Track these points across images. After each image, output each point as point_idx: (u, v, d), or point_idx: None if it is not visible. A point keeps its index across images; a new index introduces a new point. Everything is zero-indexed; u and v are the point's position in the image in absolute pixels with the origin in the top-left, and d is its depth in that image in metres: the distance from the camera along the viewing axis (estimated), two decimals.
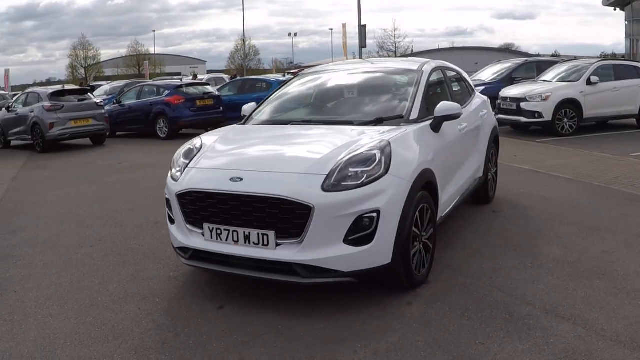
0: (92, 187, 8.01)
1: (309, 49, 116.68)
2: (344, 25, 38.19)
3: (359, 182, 3.27)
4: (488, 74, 14.29)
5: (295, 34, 67.82)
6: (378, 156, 3.39)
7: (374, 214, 3.25)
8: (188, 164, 3.81)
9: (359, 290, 3.63)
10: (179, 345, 3.11)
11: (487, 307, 3.39)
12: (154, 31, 73.65)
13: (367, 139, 3.62)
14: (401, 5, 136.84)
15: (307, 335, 3.15)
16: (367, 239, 3.26)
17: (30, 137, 12.86)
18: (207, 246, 3.54)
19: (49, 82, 67.12)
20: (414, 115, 4.11)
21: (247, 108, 4.98)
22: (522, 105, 11.09)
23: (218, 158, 3.78)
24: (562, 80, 11.47)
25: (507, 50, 63.98)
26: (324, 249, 3.22)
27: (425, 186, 3.76)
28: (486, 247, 4.57)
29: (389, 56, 57.30)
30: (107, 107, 15.16)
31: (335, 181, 3.26)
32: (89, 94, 14.09)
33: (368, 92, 4.73)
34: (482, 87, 13.34)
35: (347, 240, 3.24)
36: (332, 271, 3.25)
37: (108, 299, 3.80)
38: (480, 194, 5.92)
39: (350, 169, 3.32)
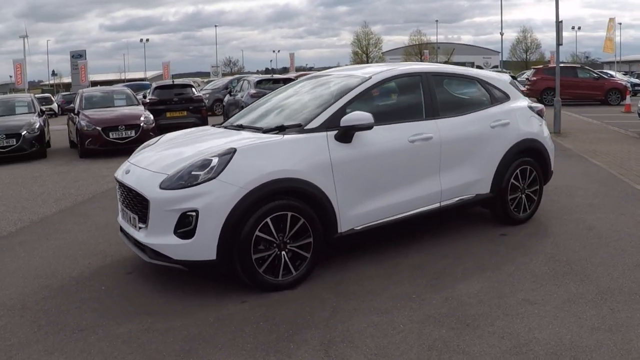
0: None
1: (623, 43, 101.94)
2: (611, 20, 33.30)
3: (190, 183, 3.64)
4: None
5: (579, 28, 61.08)
6: (214, 162, 3.68)
7: (194, 213, 3.60)
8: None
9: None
10: (67, 290, 4.05)
11: (285, 323, 3.38)
12: (437, 21, 74.49)
13: (230, 144, 3.88)
14: None
15: (138, 304, 3.75)
16: (190, 234, 3.63)
17: None
18: (121, 222, 4.38)
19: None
20: (315, 124, 4.10)
21: None
22: None
23: (141, 153, 4.53)
24: None
25: None
26: (160, 237, 3.73)
27: (291, 194, 3.84)
28: (410, 270, 4.21)
29: None
30: None
31: (175, 181, 3.70)
32: None
33: (307, 99, 4.76)
34: None
35: (176, 232, 3.68)
36: (166, 257, 3.73)
37: (84, 254, 4.95)
38: (498, 214, 5.23)
39: (193, 172, 3.70)
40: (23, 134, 10.74)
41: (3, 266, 4.66)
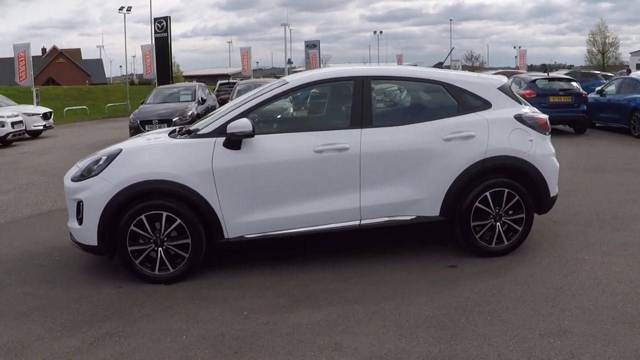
0: None
1: None
2: None
3: (83, 178, 4.18)
4: None
5: None
6: (102, 160, 4.14)
7: (80, 203, 4.13)
8: None
9: None
10: (35, 256, 4.93)
11: (114, 311, 3.67)
12: None
13: (125, 145, 4.28)
14: None
15: (58, 274, 4.43)
16: (82, 221, 4.17)
17: None
18: None
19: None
20: (208, 129, 4.18)
21: None
22: None
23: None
24: None
25: None
26: (71, 221, 4.37)
27: (167, 195, 4.05)
28: (293, 287, 4.00)
29: None
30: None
31: (77, 174, 4.28)
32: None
33: (238, 105, 4.71)
34: None
35: (77, 218, 4.26)
36: (74, 238, 4.36)
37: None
38: (458, 240, 4.47)
39: (90, 168, 4.23)
40: (174, 120, 12.68)
41: (27, 232, 5.83)
